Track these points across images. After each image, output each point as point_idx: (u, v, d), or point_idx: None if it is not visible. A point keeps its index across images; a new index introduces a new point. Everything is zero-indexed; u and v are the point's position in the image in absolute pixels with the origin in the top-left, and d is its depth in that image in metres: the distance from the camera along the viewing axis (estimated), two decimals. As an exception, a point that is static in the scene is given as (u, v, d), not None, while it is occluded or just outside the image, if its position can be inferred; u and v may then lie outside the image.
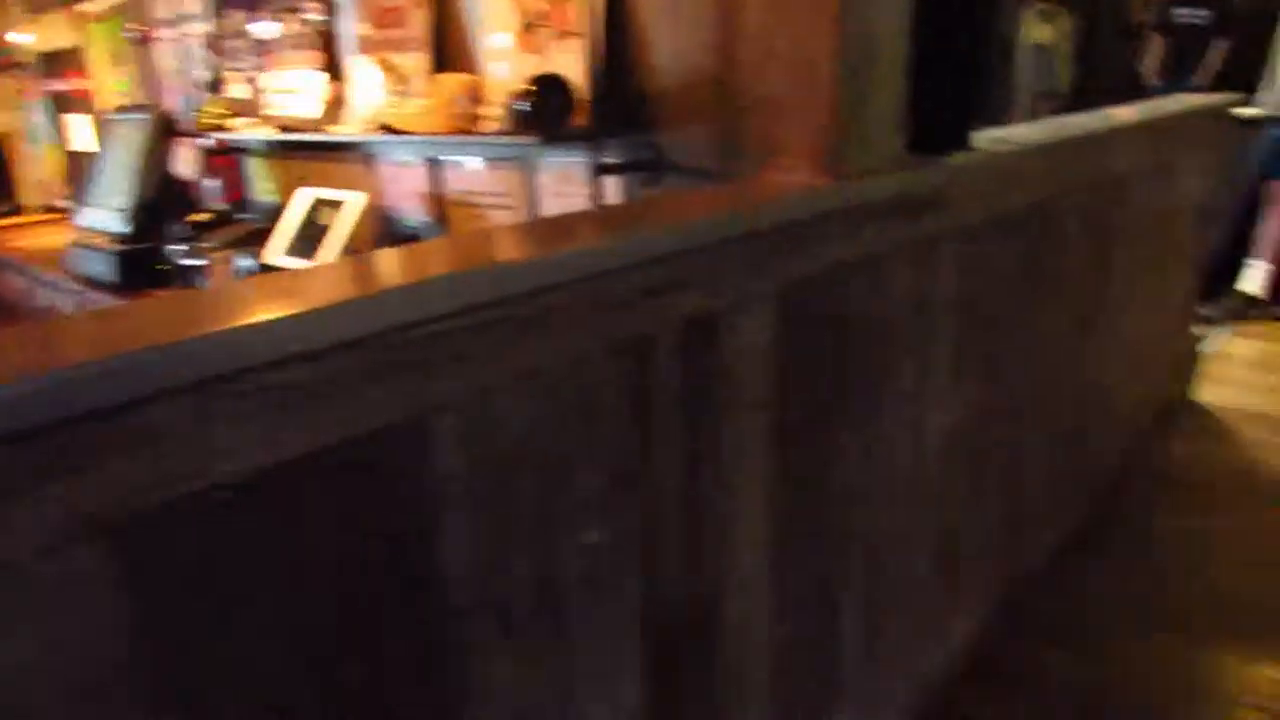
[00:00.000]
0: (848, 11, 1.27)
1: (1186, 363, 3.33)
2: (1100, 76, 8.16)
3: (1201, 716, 1.83)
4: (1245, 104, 4.18)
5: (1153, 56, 7.19)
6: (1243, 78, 4.37)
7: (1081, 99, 7.55)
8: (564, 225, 1.20)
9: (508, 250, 1.01)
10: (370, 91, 2.19)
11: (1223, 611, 2.14)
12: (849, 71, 1.33)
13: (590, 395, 0.98)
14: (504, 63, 1.84)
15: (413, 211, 2.29)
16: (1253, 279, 4.28)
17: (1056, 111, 7.48)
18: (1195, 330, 3.45)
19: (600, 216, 1.29)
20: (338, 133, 2.26)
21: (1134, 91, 6.65)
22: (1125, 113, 2.59)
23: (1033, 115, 6.70)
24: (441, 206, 2.20)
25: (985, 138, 1.78)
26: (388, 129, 2.02)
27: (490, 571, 0.91)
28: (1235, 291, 4.29)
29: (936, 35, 1.52)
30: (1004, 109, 6.50)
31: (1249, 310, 4.22)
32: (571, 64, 1.67)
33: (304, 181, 2.60)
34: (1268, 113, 4.16)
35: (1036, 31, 8.01)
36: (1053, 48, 7.96)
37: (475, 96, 1.86)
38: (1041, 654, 2.01)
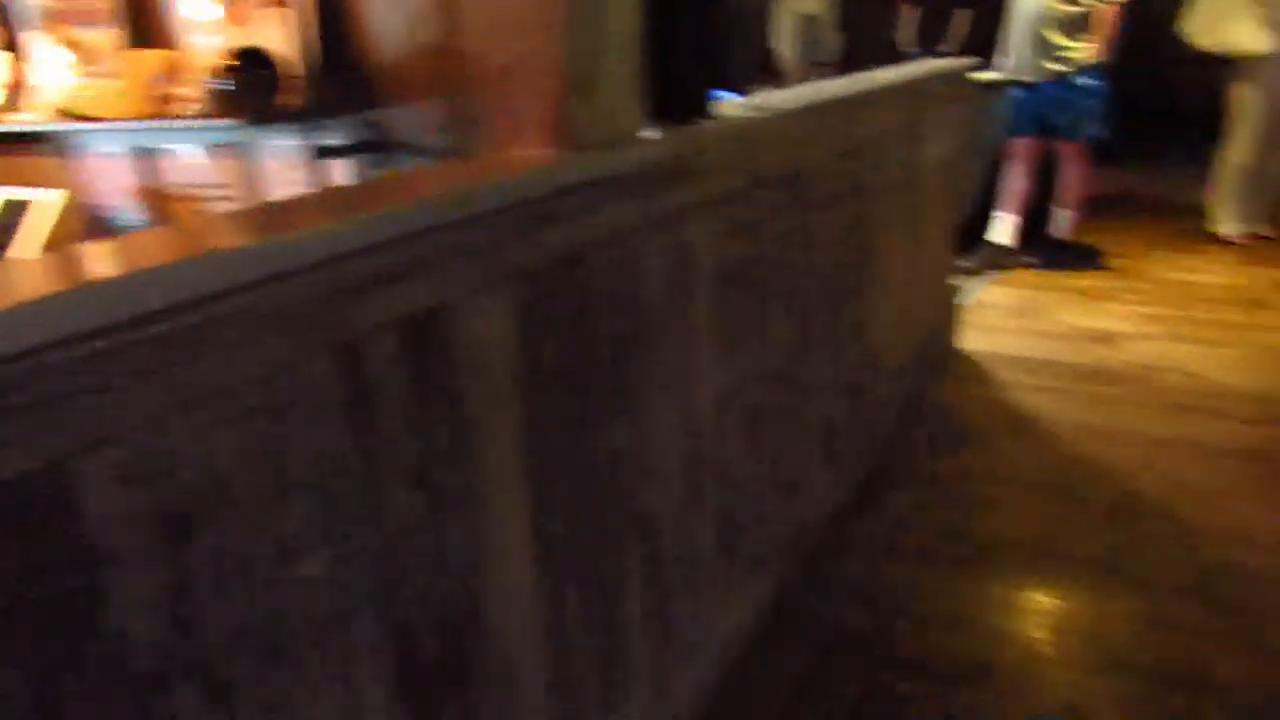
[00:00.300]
0: (571, -27, 1.19)
1: (949, 313, 3.53)
2: (864, 45, 8.60)
3: (984, 648, 1.91)
4: (985, 68, 4.49)
5: (907, 25, 7.65)
6: (986, 44, 4.69)
7: (850, 67, 7.94)
8: (262, 215, 1.04)
9: (164, 251, 0.85)
10: (55, 72, 1.90)
11: (995, 546, 2.27)
12: (582, 38, 1.25)
13: (293, 410, 0.85)
14: (208, 36, 1.63)
15: (127, 209, 2.02)
16: (1002, 230, 4.62)
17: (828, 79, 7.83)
18: (956, 281, 3.67)
19: (306, 204, 1.14)
20: (18, 121, 1.95)
21: (893, 59, 7.05)
22: (875, 77, 2.67)
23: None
24: (159, 202, 1.95)
25: (736, 105, 1.75)
26: (76, 115, 1.75)
27: (183, 630, 0.77)
28: (988, 243, 4.62)
29: (672, 1, 1.46)
30: (769, 76, 6.70)
31: (1003, 259, 4.56)
32: (281, 37, 1.50)
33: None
34: (1004, 76, 4.46)
35: (803, 2, 8.31)
36: (819, 18, 8.30)
37: (176, 75, 1.64)
38: (833, 607, 2.04)
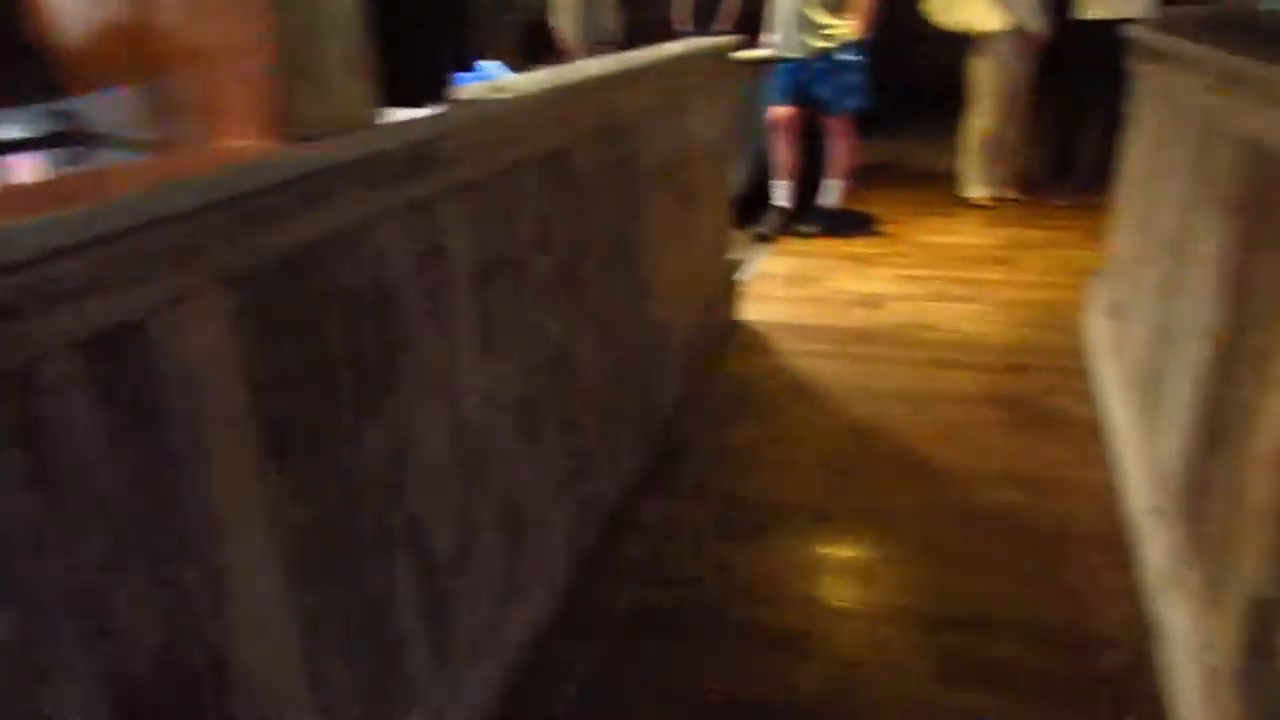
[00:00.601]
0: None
1: (729, 285, 3.62)
2: (645, 23, 8.69)
3: (784, 614, 1.97)
4: (753, 46, 4.63)
5: (681, 5, 7.78)
6: (756, 23, 4.84)
7: (632, 45, 8.03)
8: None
9: None
10: None
11: (786, 512, 2.34)
12: (291, 16, 1.14)
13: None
14: None
15: None
16: (779, 196, 4.82)
17: (612, 58, 7.86)
18: (736, 254, 3.78)
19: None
20: None
21: (670, 38, 7.18)
22: (637, 56, 2.67)
23: (589, 62, 6.96)
24: None
25: (480, 88, 1.68)
26: None
27: None
28: (772, 208, 4.81)
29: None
30: (551, 55, 6.62)
31: (785, 225, 4.76)
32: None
33: None
34: (771, 53, 4.62)
35: (578, -15, 8.25)
36: (599, -2, 8.30)
37: None
38: (628, 589, 2.04)
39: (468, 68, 1.56)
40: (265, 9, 1.10)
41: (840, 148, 4.73)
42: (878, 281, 4.06)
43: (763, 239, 4.65)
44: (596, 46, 8.02)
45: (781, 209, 4.82)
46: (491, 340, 1.62)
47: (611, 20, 8.19)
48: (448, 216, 1.45)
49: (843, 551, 2.22)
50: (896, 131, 6.55)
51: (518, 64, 3.27)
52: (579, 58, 7.66)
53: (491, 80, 1.73)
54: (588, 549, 2.14)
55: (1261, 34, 1.95)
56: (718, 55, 3.26)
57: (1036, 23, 4.84)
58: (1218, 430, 1.67)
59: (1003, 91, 4.98)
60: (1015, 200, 5.23)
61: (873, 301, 3.81)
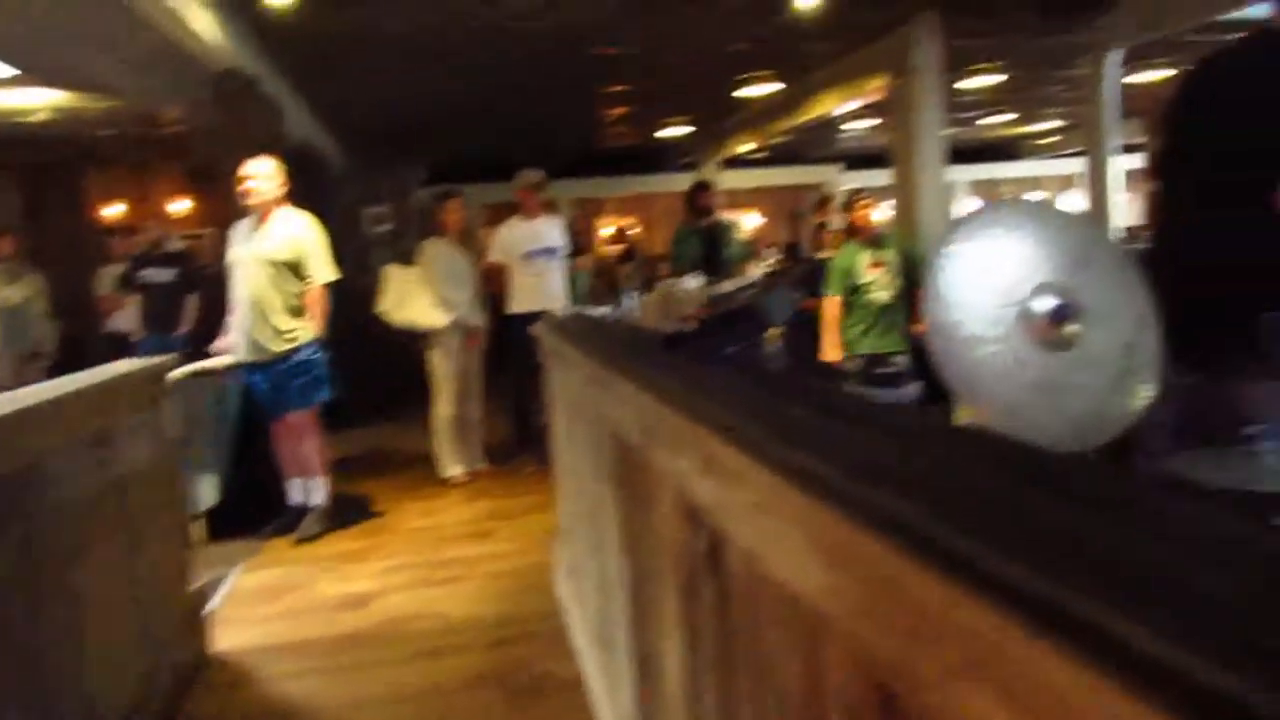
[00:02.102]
0: None
1: (193, 620, 3.27)
2: (86, 332, 8.03)
3: None
4: (213, 354, 4.54)
5: (128, 314, 7.36)
6: (217, 327, 4.75)
7: (68, 356, 7.32)
8: None
9: None
10: None
11: None
12: None
13: None
14: None
15: None
16: (301, 493, 4.69)
17: (50, 372, 7.04)
18: (206, 576, 3.45)
19: None
20: None
21: (121, 349, 6.71)
22: (48, 388, 2.43)
23: (19, 379, 6.15)
24: None
25: None
26: None
27: None
28: (286, 508, 4.63)
29: None
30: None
31: (297, 523, 4.59)
32: None
33: None
34: (232, 359, 4.55)
35: (3, 292, 7.49)
36: (24, 306, 7.54)
37: None
38: None
39: None
40: None
41: (311, 445, 4.70)
42: (364, 579, 3.98)
43: (278, 533, 4.49)
44: (27, 364, 7.17)
45: (294, 507, 4.66)
46: None
47: (43, 331, 7.43)
48: None
49: None
50: (382, 420, 6.75)
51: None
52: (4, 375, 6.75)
53: None
54: None
55: (625, 338, 2.44)
56: (156, 375, 3.10)
57: (476, 317, 5.47)
58: (647, 676, 1.87)
59: (457, 377, 5.45)
60: (489, 473, 5.61)
61: (359, 602, 3.71)
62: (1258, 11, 2.28)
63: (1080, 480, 0.70)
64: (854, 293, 4.74)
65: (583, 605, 2.93)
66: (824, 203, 7.18)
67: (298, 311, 4.51)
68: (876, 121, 9.43)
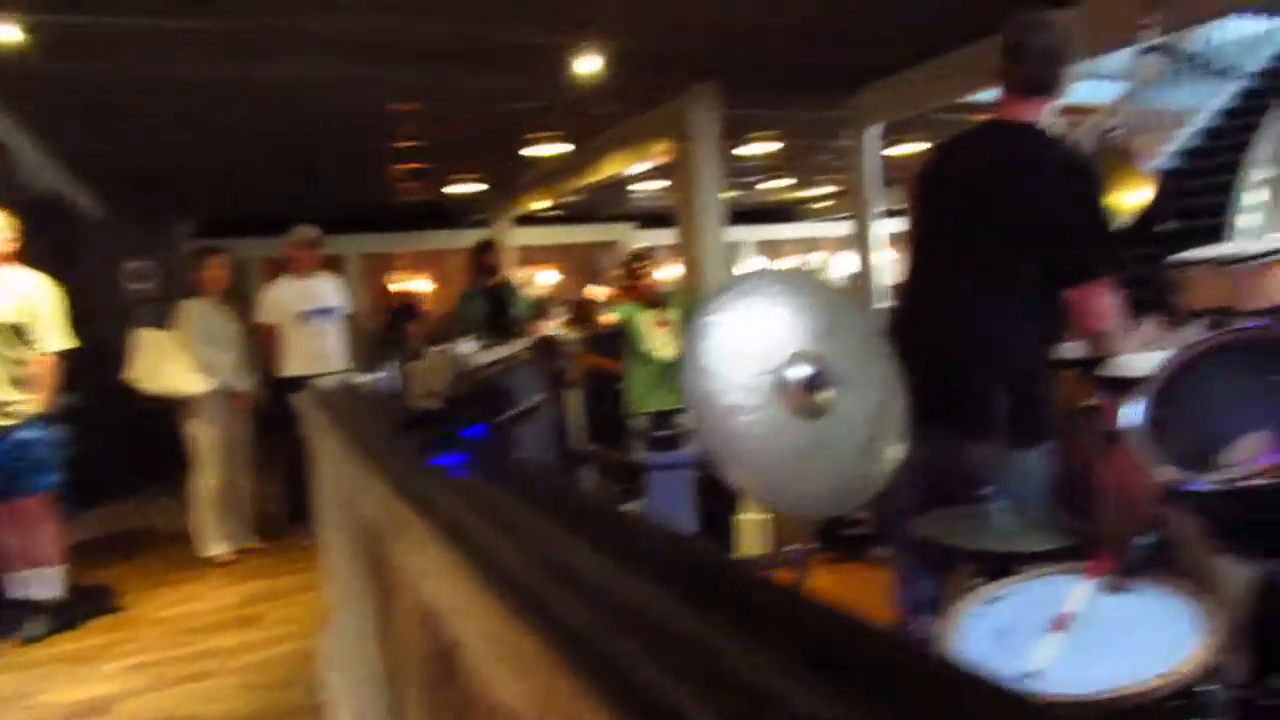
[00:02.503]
0: None
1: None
2: None
3: None
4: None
5: None
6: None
7: None
8: None
9: None
10: None
11: None
12: None
13: None
14: None
15: None
16: (26, 586, 4.14)
17: None
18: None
19: None
20: None
21: None
22: None
23: None
24: None
25: None
26: None
27: None
28: (31, 604, 4.08)
29: None
30: None
31: (25, 620, 4.05)
32: None
33: None
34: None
35: None
36: None
37: None
38: None
39: None
40: None
41: (45, 531, 4.16)
42: (102, 681, 3.53)
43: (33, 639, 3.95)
44: None
45: (17, 603, 4.09)
46: None
47: None
48: None
49: None
50: (136, 494, 6.10)
51: None
52: None
53: None
54: None
55: (374, 414, 2.29)
56: None
57: (243, 381, 5.08)
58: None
59: (222, 446, 5.02)
60: (258, 550, 5.18)
61: (96, 709, 3.27)
62: (988, 96, 2.51)
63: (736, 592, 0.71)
64: (637, 352, 4.79)
65: (349, 700, 2.70)
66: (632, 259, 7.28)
67: (21, 382, 4.00)
68: (666, 183, 9.75)
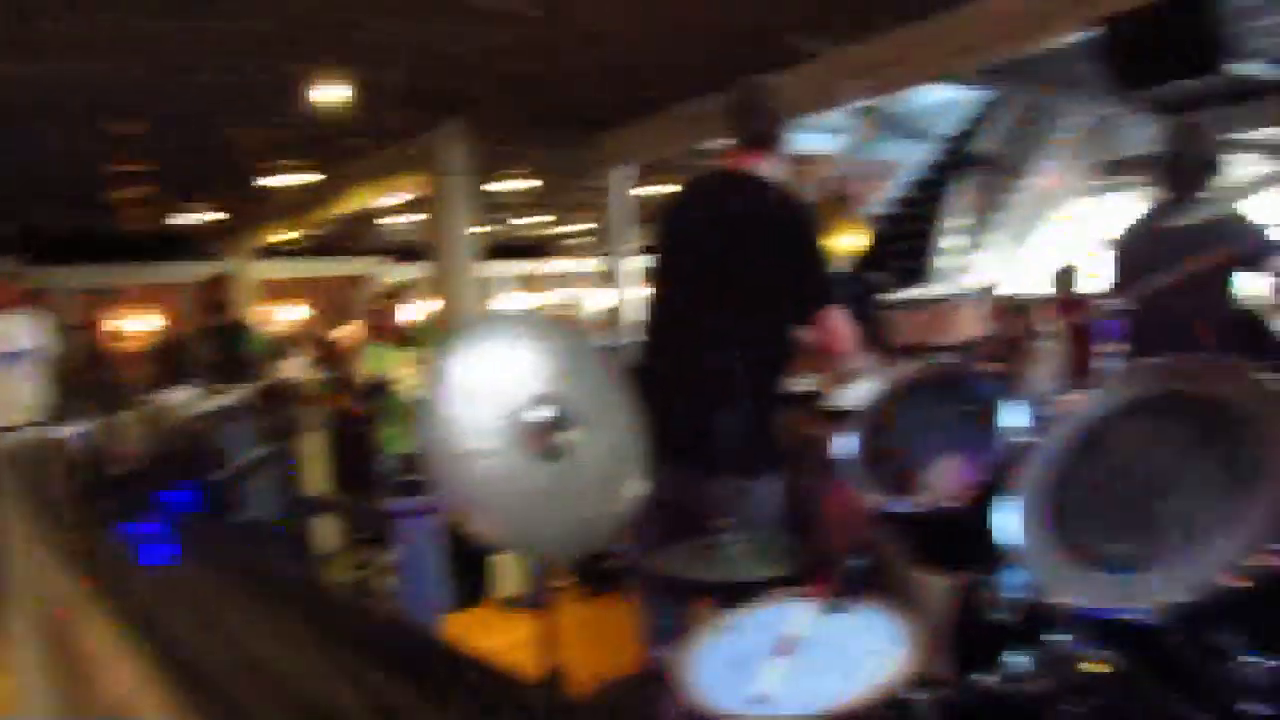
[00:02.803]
0: None
1: None
2: None
3: None
4: None
5: None
6: None
7: None
8: None
9: None
10: None
11: None
12: None
13: None
14: None
15: None
16: None
17: None
18: None
19: None
20: None
21: None
22: None
23: None
24: None
25: None
26: None
27: None
28: None
29: None
30: None
31: None
32: None
33: None
34: None
35: None
36: None
37: None
38: None
39: None
40: None
41: None
42: None
43: None
44: None
45: None
46: None
47: None
48: None
49: None
50: None
51: None
52: None
53: None
54: None
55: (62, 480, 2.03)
56: None
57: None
58: None
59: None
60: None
61: None
62: (725, 142, 2.67)
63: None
64: (383, 393, 4.60)
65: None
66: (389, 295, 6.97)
67: None
68: (421, 216, 9.56)
